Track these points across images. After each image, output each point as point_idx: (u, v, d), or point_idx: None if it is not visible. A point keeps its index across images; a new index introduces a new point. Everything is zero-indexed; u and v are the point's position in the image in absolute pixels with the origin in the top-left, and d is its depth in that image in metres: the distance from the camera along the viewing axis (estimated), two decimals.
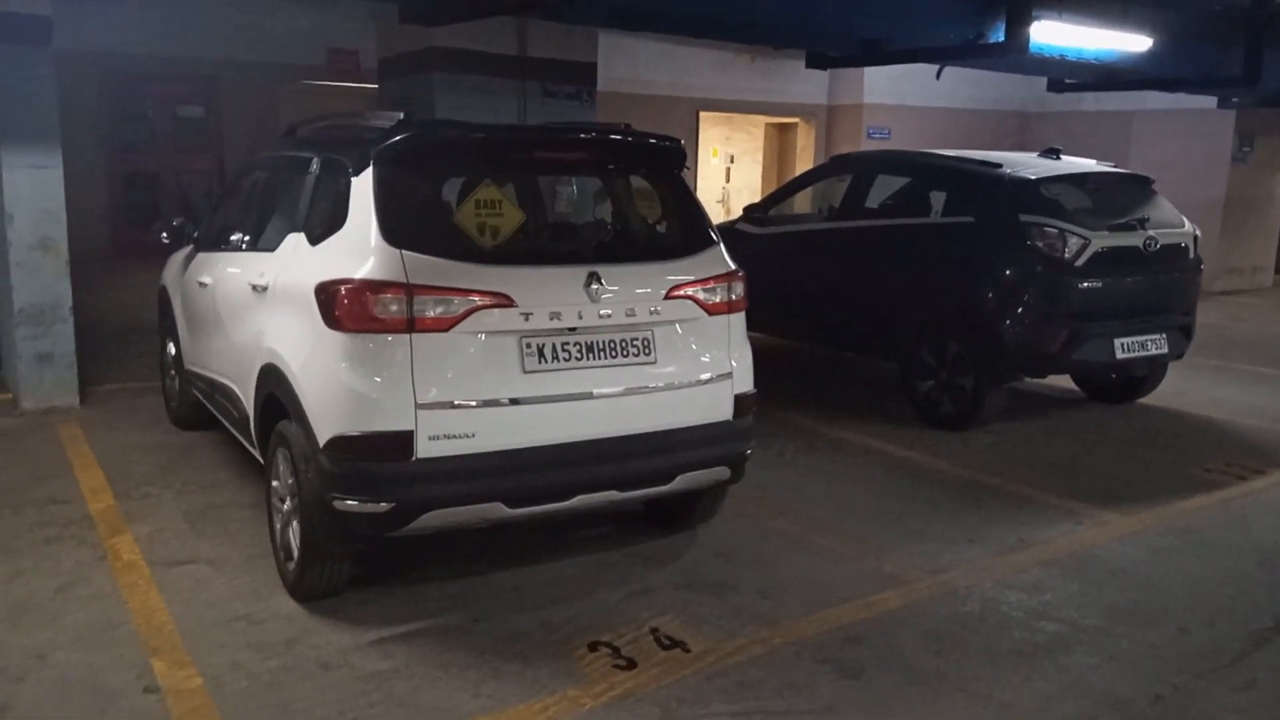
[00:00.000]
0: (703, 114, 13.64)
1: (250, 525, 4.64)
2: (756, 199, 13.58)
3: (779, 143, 15.93)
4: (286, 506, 3.93)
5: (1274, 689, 3.49)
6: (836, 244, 7.40)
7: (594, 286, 3.72)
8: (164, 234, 5.77)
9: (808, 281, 7.51)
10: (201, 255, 5.47)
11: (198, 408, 5.85)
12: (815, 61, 9.02)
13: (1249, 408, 7.40)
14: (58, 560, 4.24)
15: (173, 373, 6.14)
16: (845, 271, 7.29)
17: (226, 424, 5.05)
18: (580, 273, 3.73)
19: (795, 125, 15.02)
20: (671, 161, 4.24)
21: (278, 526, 4.04)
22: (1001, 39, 7.44)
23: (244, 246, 4.80)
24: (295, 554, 3.84)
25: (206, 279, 5.16)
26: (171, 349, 6.09)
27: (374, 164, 3.65)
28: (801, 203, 8.80)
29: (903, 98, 13.89)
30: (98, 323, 8.03)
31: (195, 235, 5.67)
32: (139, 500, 4.97)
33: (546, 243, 4.25)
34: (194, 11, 8.94)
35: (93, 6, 6.93)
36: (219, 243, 5.12)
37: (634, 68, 11.59)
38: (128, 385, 7.12)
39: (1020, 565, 4.46)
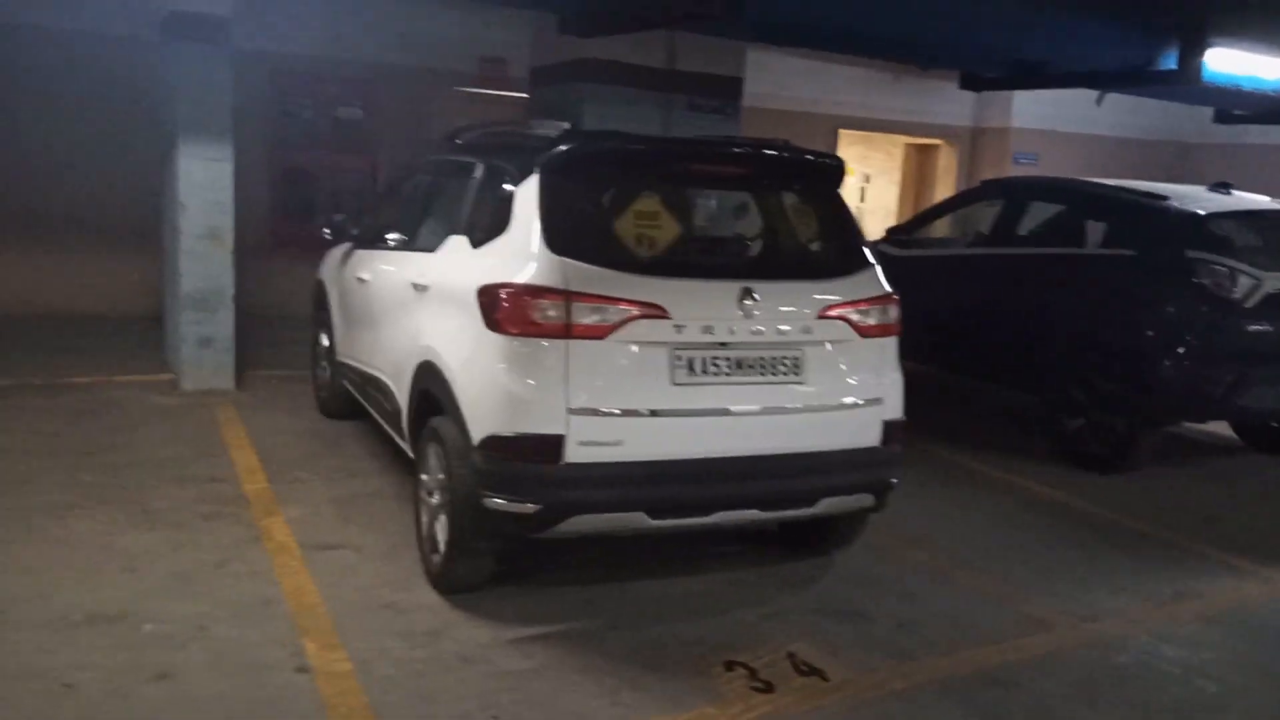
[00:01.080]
0: (842, 132, 13.47)
1: (394, 515, 4.78)
2: (892, 220, 13.40)
3: (918, 164, 15.60)
4: (435, 500, 4.03)
5: None
6: (985, 270, 7.19)
7: (747, 302, 3.70)
8: (326, 229, 6.00)
9: (953, 308, 7.29)
10: (360, 252, 5.66)
11: (346, 398, 6.06)
12: (969, 83, 8.82)
13: None
14: (216, 536, 4.44)
15: (323, 363, 6.37)
16: (993, 299, 7.07)
17: (376, 416, 5.20)
18: (734, 288, 3.72)
19: (937, 147, 14.68)
20: (831, 179, 4.19)
21: (424, 519, 4.14)
22: (1173, 67, 7.12)
23: (404, 246, 4.95)
24: (441, 547, 3.93)
25: (366, 275, 5.34)
26: (324, 340, 6.33)
27: (539, 172, 3.71)
28: (941, 227, 8.59)
29: (1052, 123, 13.43)
30: (251, 311, 8.41)
31: (355, 233, 5.87)
32: (290, 484, 5.16)
33: (701, 256, 4.26)
34: (354, 16, 9.29)
35: (261, 9, 7.28)
36: (379, 241, 5.30)
37: (775, 83, 11.51)
38: (278, 372, 7.43)
39: (1177, 618, 4.24)
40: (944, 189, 14.28)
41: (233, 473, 5.27)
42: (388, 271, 5.02)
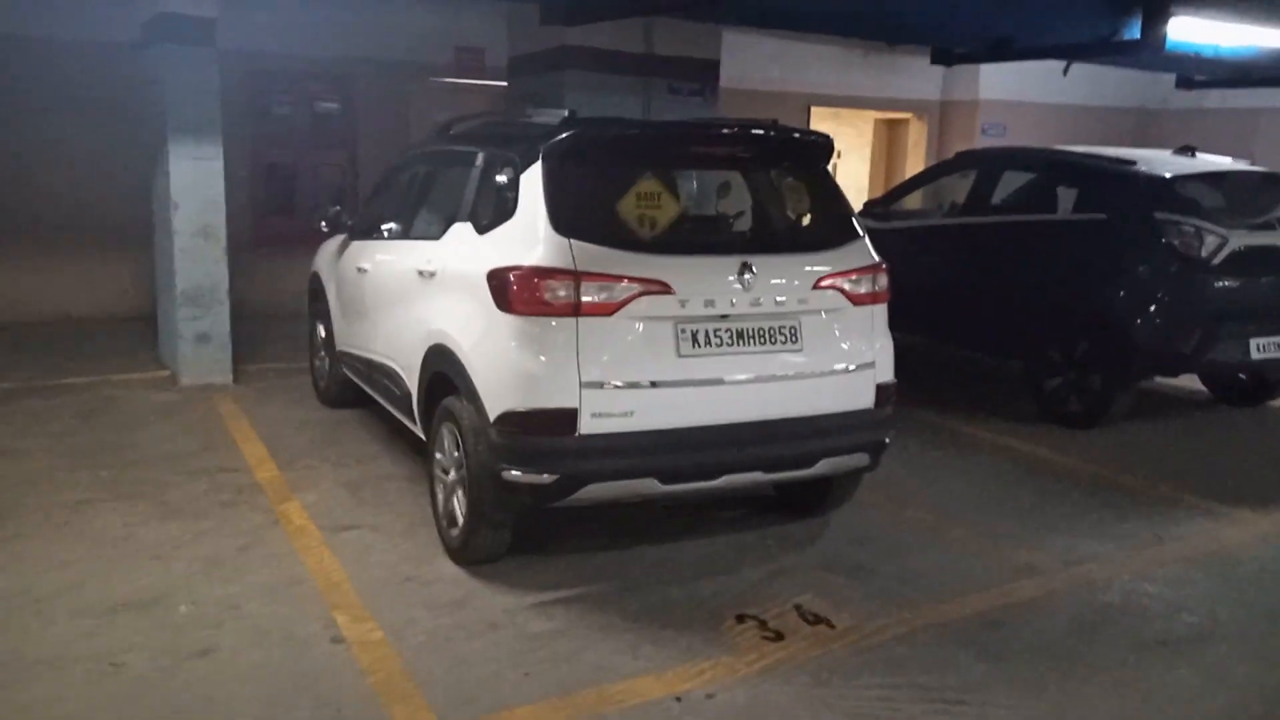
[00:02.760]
0: (814, 109, 13.65)
1: (406, 495, 4.94)
2: (864, 196, 13.61)
3: (888, 139, 15.81)
4: (451, 477, 4.19)
5: None
6: (961, 240, 7.42)
7: (746, 276, 3.88)
8: (323, 222, 6.12)
9: (930, 277, 7.50)
10: (357, 243, 5.79)
11: (346, 387, 6.20)
12: (940, 58, 9.01)
13: None
14: (236, 522, 4.59)
15: (322, 354, 6.50)
16: (970, 267, 7.30)
17: (383, 401, 5.35)
18: (733, 262, 3.90)
19: (906, 121, 14.90)
20: (819, 156, 4.38)
21: (440, 496, 4.31)
22: (1137, 36, 7.35)
23: (405, 235, 5.09)
24: (460, 521, 4.10)
25: (366, 265, 5.47)
26: (321, 331, 6.45)
27: (543, 158, 3.87)
28: (917, 199, 8.79)
29: (1019, 94, 13.67)
30: (241, 306, 8.50)
31: (351, 224, 5.99)
32: (301, 471, 5.31)
33: (701, 234, 4.44)
34: (329, 12, 9.35)
35: (237, 7, 7.35)
36: (378, 231, 5.43)
37: (748, 64, 11.67)
38: (274, 365, 7.55)
39: (1158, 560, 4.48)
40: (914, 163, 14.50)
41: (243, 463, 5.40)
42: (389, 261, 5.16)
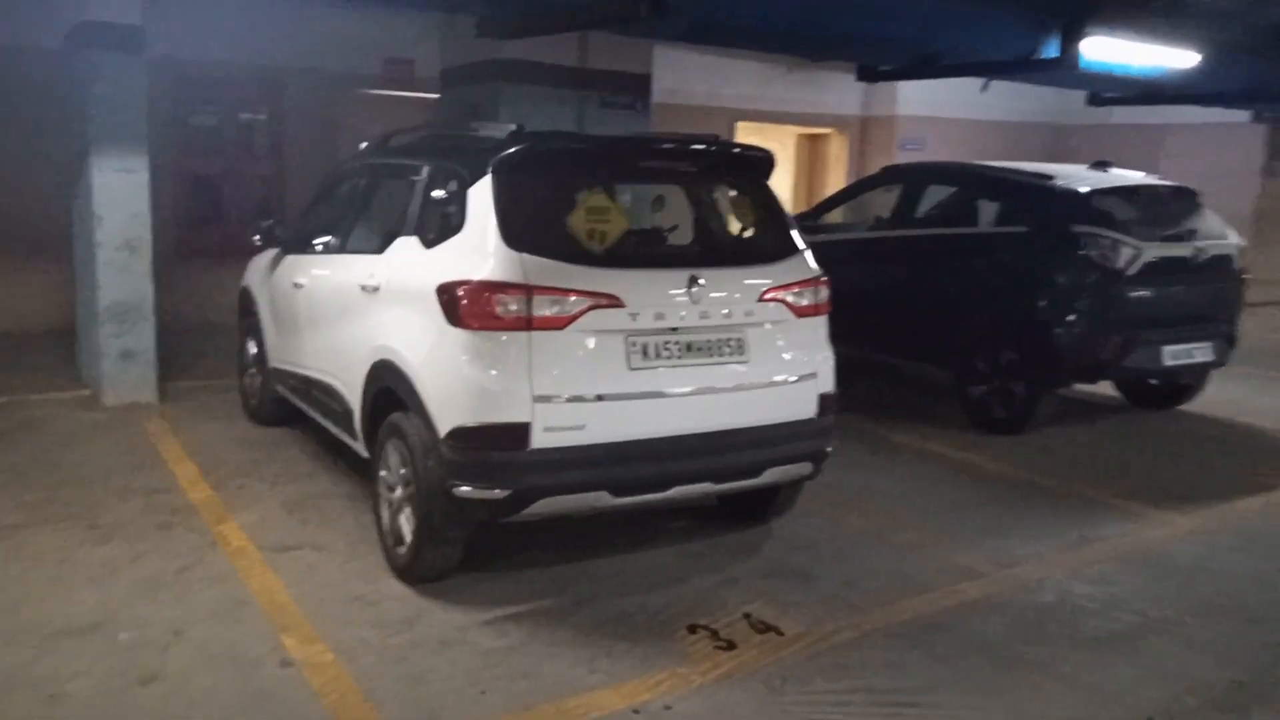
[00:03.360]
0: (740, 124, 13.85)
1: (347, 514, 4.87)
2: (787, 209, 13.82)
3: (810, 153, 16.10)
4: (397, 494, 4.15)
5: None
6: (889, 252, 7.60)
7: (695, 289, 3.94)
8: (256, 236, 6.00)
9: (859, 289, 7.64)
10: (292, 258, 5.70)
11: (279, 404, 6.08)
12: (866, 74, 9.24)
13: None
14: (173, 544, 4.47)
15: (253, 370, 6.37)
16: (897, 279, 7.49)
17: (321, 419, 5.26)
18: (682, 276, 3.95)
19: (828, 136, 15.20)
20: (762, 170, 4.46)
21: (386, 514, 4.26)
22: (1055, 55, 7.65)
23: (345, 249, 5.03)
24: (408, 539, 4.06)
25: (302, 279, 5.39)
26: (253, 347, 6.32)
27: (493, 172, 3.87)
28: (844, 213, 8.97)
29: (937, 110, 14.07)
30: (164, 321, 8.28)
31: (285, 238, 5.88)
32: (236, 490, 5.19)
33: (650, 247, 4.48)
34: (257, 20, 9.19)
35: (163, 14, 7.19)
36: (313, 245, 5.35)
37: (677, 79, 11.80)
38: (201, 383, 7.38)
39: (1087, 560, 4.65)
40: (835, 177, 14.80)
41: (175, 483, 5.27)
42: (328, 275, 5.09)
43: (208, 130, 9.84)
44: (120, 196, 6.48)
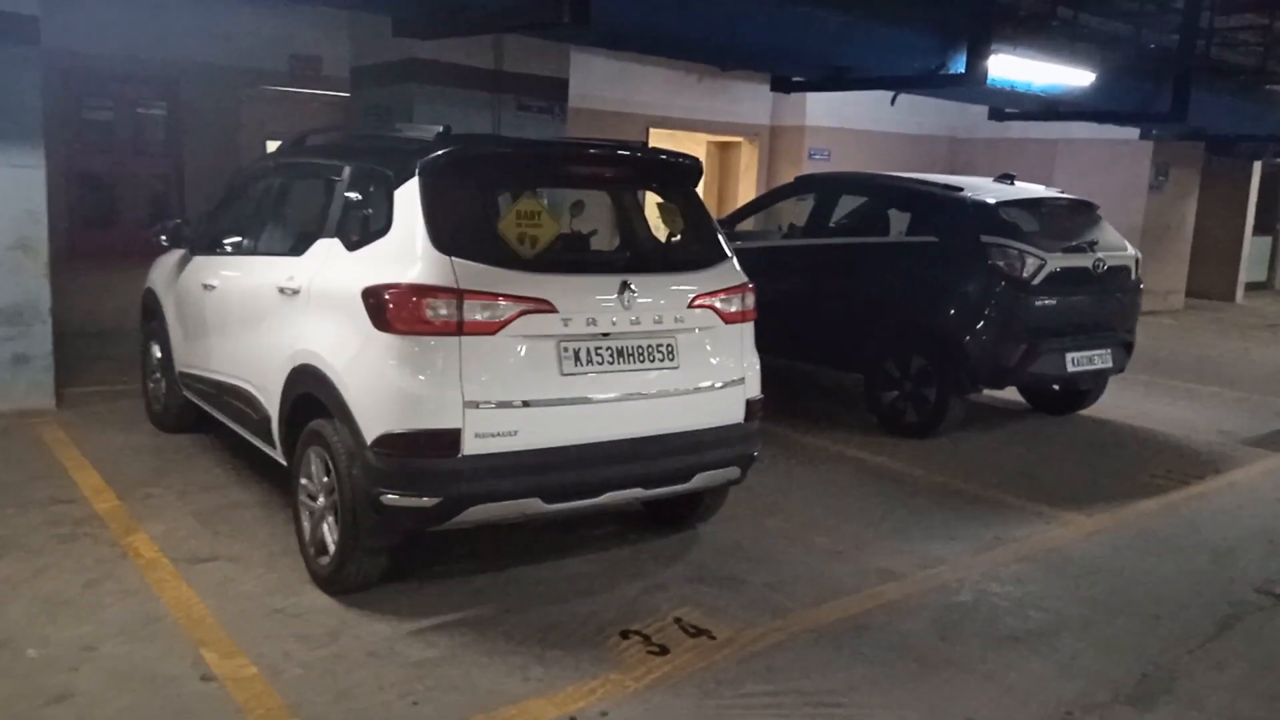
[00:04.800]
0: (652, 130, 13.93)
1: (263, 524, 4.73)
2: None
3: (721, 161, 16.29)
4: (319, 503, 4.05)
5: (1244, 667, 3.86)
6: (802, 261, 7.73)
7: (626, 295, 3.94)
8: (162, 236, 5.79)
9: (773, 296, 7.74)
10: (201, 258, 5.51)
11: (185, 410, 5.88)
12: (780, 85, 9.40)
13: (1178, 420, 7.95)
14: (78, 557, 4.27)
15: (158, 375, 6.14)
16: (811, 286, 7.61)
17: (234, 425, 5.10)
18: (614, 281, 3.95)
19: (739, 144, 15.41)
20: (689, 177, 4.49)
21: (307, 524, 4.15)
22: (962, 70, 7.91)
23: (260, 250, 4.88)
24: (331, 549, 3.96)
25: (213, 281, 5.22)
26: (157, 351, 6.09)
27: (420, 173, 3.80)
28: (755, 220, 9.10)
29: (843, 121, 14.39)
30: (56, 324, 7.93)
31: (194, 238, 5.68)
32: (143, 500, 5.00)
33: (581, 253, 4.46)
34: (157, 12, 8.89)
35: (58, 4, 6.90)
36: (227, 246, 5.18)
37: (591, 84, 11.81)
38: (100, 388, 7.08)
39: (1001, 560, 4.80)
40: (746, 185, 15.02)
41: (78, 493, 5.04)
42: (241, 277, 4.94)
43: (102, 125, 9.46)
44: (12, 194, 6.17)
